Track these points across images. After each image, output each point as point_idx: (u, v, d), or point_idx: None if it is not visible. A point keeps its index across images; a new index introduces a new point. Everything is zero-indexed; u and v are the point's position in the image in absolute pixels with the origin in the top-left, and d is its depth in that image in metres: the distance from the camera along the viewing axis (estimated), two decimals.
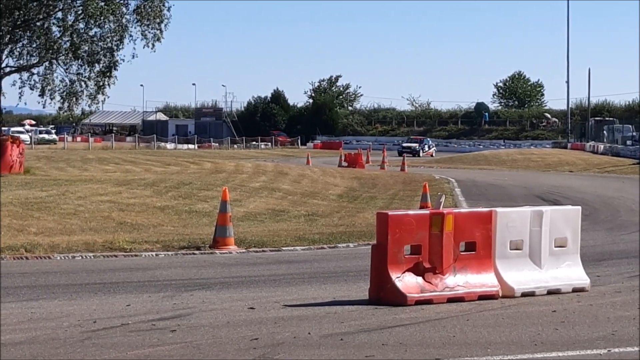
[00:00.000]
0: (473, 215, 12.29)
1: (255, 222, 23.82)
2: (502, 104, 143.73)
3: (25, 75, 38.13)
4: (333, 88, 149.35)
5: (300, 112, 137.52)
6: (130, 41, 37.81)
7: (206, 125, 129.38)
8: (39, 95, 38.14)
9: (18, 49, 37.88)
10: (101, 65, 37.58)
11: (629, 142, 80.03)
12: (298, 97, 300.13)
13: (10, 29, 36.63)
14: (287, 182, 36.75)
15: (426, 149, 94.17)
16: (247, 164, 51.33)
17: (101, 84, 37.74)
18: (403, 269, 11.42)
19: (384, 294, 11.36)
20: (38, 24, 36.99)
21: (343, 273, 15.06)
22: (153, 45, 37.40)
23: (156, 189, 29.97)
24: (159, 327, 9.84)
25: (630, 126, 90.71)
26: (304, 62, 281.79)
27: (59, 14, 37.50)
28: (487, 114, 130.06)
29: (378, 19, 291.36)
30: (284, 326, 9.97)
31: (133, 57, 38.96)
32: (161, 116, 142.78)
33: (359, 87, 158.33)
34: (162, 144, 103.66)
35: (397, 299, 11.23)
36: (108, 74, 37.70)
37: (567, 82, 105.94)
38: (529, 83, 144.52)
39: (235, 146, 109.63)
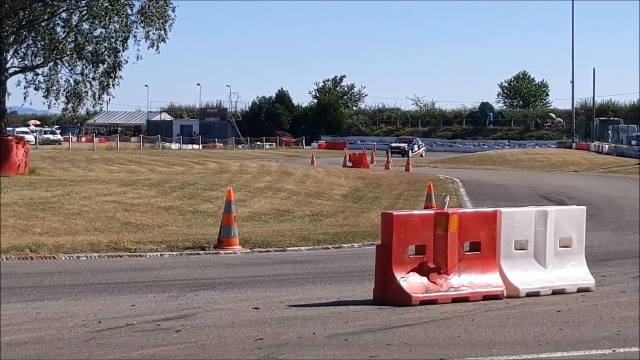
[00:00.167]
0: (478, 215, 12.28)
1: (259, 222, 23.82)
2: (507, 104, 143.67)
3: (30, 75, 38.19)
4: (337, 88, 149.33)
5: (304, 112, 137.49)
6: (135, 43, 37.87)
7: (211, 126, 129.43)
8: (44, 96, 38.18)
9: (23, 50, 37.91)
10: (105, 65, 37.60)
11: (633, 142, 79.98)
12: (302, 97, 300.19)
13: (15, 29, 36.66)
14: (291, 182, 36.76)
15: (415, 149, 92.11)
16: (252, 164, 51.35)
17: (105, 84, 37.75)
18: (408, 269, 11.42)
19: (389, 294, 11.36)
20: (43, 24, 37.01)
21: (348, 273, 15.06)
22: (157, 46, 37.43)
23: (161, 189, 29.99)
24: (164, 327, 9.85)
25: (635, 126, 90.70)
26: (309, 62, 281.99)
27: (64, 14, 37.51)
28: (491, 114, 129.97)
29: (383, 18, 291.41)
30: (288, 326, 9.97)
31: (137, 58, 39.05)
32: (166, 116, 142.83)
33: (364, 87, 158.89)
34: (167, 144, 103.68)
35: (401, 299, 11.23)
36: (112, 74, 37.72)
37: (572, 82, 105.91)
38: (534, 83, 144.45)
39: (240, 146, 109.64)
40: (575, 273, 12.64)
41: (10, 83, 37.61)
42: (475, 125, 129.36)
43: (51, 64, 37.71)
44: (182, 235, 19.91)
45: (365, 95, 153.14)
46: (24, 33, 37.30)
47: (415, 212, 12.19)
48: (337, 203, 30.51)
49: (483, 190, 37.17)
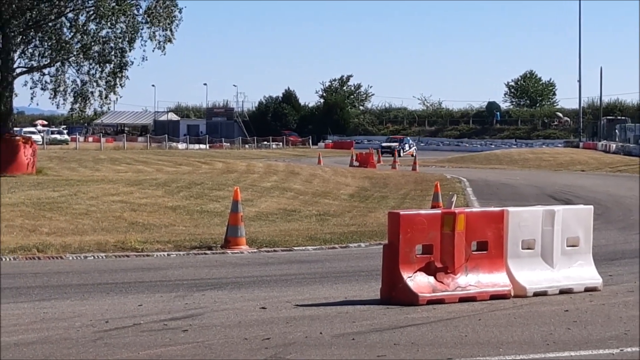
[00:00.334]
0: (485, 215, 12.27)
1: (266, 221, 23.83)
2: (514, 103, 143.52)
3: (36, 75, 38.23)
4: (344, 88, 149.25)
5: (311, 112, 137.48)
6: (141, 44, 37.88)
7: (217, 125, 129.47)
8: (51, 97, 38.19)
9: (30, 50, 37.95)
10: (112, 65, 37.62)
11: None
12: (309, 97, 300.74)
13: (22, 29, 36.71)
14: (298, 181, 36.76)
15: (406, 148, 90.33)
16: (259, 163, 51.36)
17: (112, 83, 37.78)
18: (415, 268, 11.42)
19: (396, 294, 11.36)
20: (50, 24, 37.05)
21: (355, 273, 15.07)
22: (164, 47, 37.42)
23: (168, 189, 30.01)
24: (171, 327, 9.85)
25: None
26: (315, 62, 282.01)
27: (70, 15, 37.54)
28: (498, 113, 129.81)
29: (389, 18, 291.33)
30: (295, 326, 9.97)
31: (143, 59, 39.06)
32: (173, 116, 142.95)
33: (370, 87, 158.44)
34: (174, 144, 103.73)
35: (408, 298, 11.23)
36: (119, 74, 37.74)
37: (579, 81, 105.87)
38: (541, 82, 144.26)
39: (247, 146, 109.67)
40: (582, 272, 12.62)
41: (17, 83, 37.73)
42: (482, 124, 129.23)
43: (58, 64, 37.73)
44: (189, 235, 19.92)
45: (372, 94, 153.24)
46: (31, 33, 37.34)
47: (422, 211, 12.18)
48: (344, 203, 30.50)
49: (490, 190, 37.14)
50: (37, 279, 13.95)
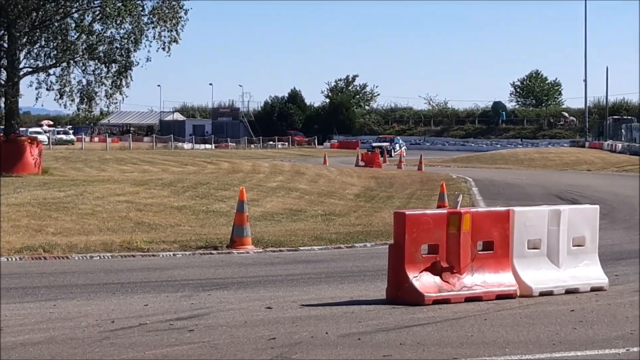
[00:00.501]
0: (490, 215, 12.27)
1: (272, 221, 23.84)
2: (520, 102, 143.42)
3: (42, 76, 38.27)
4: (350, 87, 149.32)
5: (317, 112, 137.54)
6: (147, 45, 37.92)
7: (223, 125, 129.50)
8: (56, 98, 38.22)
9: (35, 50, 37.99)
10: (117, 65, 37.65)
11: None
12: (315, 97, 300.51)
13: (27, 30, 36.75)
14: (304, 181, 36.77)
15: (397, 148, 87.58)
16: (264, 163, 51.38)
17: (118, 83, 37.81)
18: (420, 268, 11.42)
19: (402, 294, 11.35)
20: (56, 24, 37.07)
21: (360, 273, 15.06)
22: (169, 48, 37.42)
23: (173, 189, 30.03)
24: (177, 327, 9.86)
25: None
26: (321, 62, 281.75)
27: (76, 15, 37.57)
28: (504, 112, 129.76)
29: (395, 18, 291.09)
30: (301, 326, 9.98)
31: (147, 60, 39.10)
32: (178, 116, 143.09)
33: (376, 87, 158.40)
34: (180, 144, 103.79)
35: (414, 298, 11.22)
36: (124, 74, 37.77)
37: (585, 80, 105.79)
38: (547, 82, 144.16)
39: (252, 146, 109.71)
40: (588, 272, 12.61)
41: (22, 84, 37.73)
42: (487, 124, 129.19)
43: (64, 64, 37.76)
44: (195, 235, 19.93)
45: (378, 94, 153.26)
46: (37, 34, 37.37)
47: (428, 211, 12.18)
48: (350, 202, 30.50)
49: (496, 190, 37.12)
50: (43, 279, 13.97)
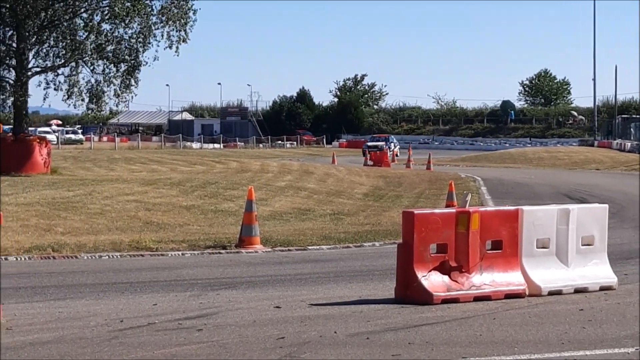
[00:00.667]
0: (499, 214, 12.26)
1: (281, 221, 23.84)
2: (528, 102, 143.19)
3: (50, 76, 38.32)
4: (358, 87, 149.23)
5: (325, 111, 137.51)
6: (156, 45, 37.96)
7: (232, 125, 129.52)
8: (64, 99, 38.26)
9: (44, 50, 38.05)
10: (126, 65, 37.69)
11: None
12: (323, 96, 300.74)
13: (36, 30, 36.81)
14: (312, 181, 36.76)
15: (392, 147, 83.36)
16: (273, 163, 51.39)
17: (127, 83, 37.86)
18: (429, 267, 11.41)
19: (410, 293, 11.35)
20: (65, 24, 37.12)
21: (369, 272, 15.06)
22: (177, 47, 37.45)
23: (182, 188, 30.05)
24: (186, 326, 9.87)
25: None
26: (330, 61, 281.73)
27: (84, 15, 37.61)
28: (513, 112, 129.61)
29: (404, 17, 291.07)
30: (310, 325, 9.98)
31: (155, 59, 39.11)
32: (187, 116, 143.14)
33: (385, 86, 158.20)
34: (188, 143, 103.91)
35: (423, 297, 11.22)
36: (132, 74, 37.80)
37: (594, 79, 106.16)
38: (555, 81, 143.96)
39: (261, 145, 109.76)
40: (597, 271, 12.59)
41: (31, 83, 37.79)
42: (496, 123, 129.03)
43: (72, 64, 37.81)
44: (204, 234, 19.95)
45: (386, 93, 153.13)
46: (46, 33, 37.43)
47: (437, 210, 12.18)
48: (358, 202, 30.49)
49: (504, 189, 37.06)
50: (52, 279, 14.00)
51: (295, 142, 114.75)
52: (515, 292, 11.81)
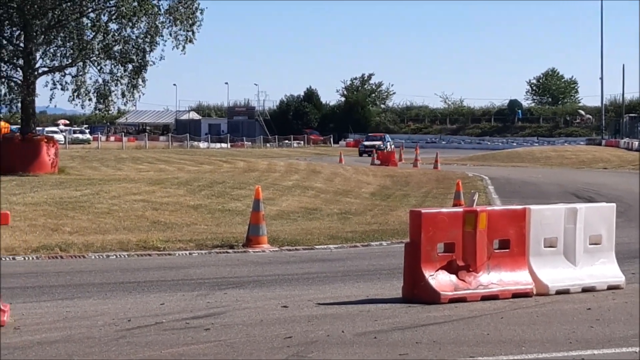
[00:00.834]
0: (507, 213, 12.25)
1: (288, 220, 23.83)
2: (536, 101, 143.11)
3: (57, 76, 38.35)
4: (365, 86, 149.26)
5: (332, 111, 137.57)
6: (162, 44, 38.00)
7: (239, 124, 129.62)
8: (71, 99, 38.29)
9: (52, 50, 38.10)
10: (133, 65, 37.73)
11: None
12: (330, 96, 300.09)
13: (44, 29, 36.85)
14: (319, 180, 36.76)
15: (388, 147, 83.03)
16: (280, 162, 51.40)
17: (135, 82, 37.90)
18: (436, 267, 11.41)
19: (418, 292, 11.35)
20: (72, 24, 37.16)
21: (376, 271, 15.06)
22: (184, 47, 37.48)
23: (189, 187, 30.05)
24: (193, 326, 9.88)
25: None
26: (337, 61, 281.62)
27: (92, 15, 37.64)
28: (520, 111, 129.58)
29: (411, 16, 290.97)
30: (317, 324, 9.98)
31: (161, 59, 39.16)
32: (194, 115, 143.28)
33: (392, 85, 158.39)
34: (195, 143, 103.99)
35: (430, 297, 11.22)
36: (140, 74, 37.83)
37: (601, 78, 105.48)
38: (563, 80, 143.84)
39: (268, 145, 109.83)
40: (605, 270, 12.57)
41: (38, 83, 37.83)
42: (503, 122, 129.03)
43: (80, 64, 37.85)
44: (211, 233, 19.95)
45: (393, 93, 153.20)
46: (53, 33, 37.47)
47: (444, 210, 12.18)
48: (366, 201, 30.47)
49: (512, 188, 37.03)
50: (60, 278, 14.02)
51: (302, 142, 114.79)
52: (523, 291, 11.80)
